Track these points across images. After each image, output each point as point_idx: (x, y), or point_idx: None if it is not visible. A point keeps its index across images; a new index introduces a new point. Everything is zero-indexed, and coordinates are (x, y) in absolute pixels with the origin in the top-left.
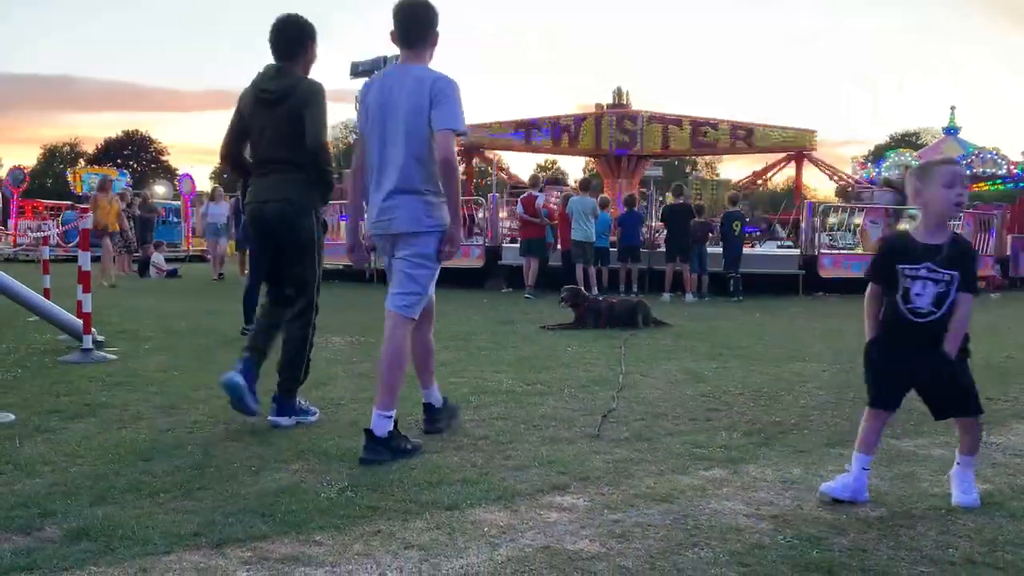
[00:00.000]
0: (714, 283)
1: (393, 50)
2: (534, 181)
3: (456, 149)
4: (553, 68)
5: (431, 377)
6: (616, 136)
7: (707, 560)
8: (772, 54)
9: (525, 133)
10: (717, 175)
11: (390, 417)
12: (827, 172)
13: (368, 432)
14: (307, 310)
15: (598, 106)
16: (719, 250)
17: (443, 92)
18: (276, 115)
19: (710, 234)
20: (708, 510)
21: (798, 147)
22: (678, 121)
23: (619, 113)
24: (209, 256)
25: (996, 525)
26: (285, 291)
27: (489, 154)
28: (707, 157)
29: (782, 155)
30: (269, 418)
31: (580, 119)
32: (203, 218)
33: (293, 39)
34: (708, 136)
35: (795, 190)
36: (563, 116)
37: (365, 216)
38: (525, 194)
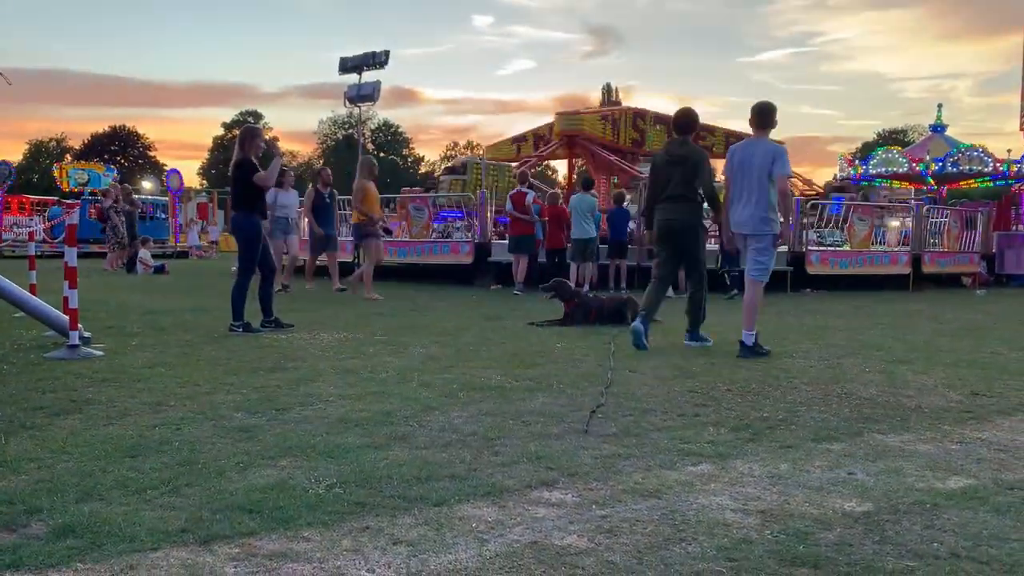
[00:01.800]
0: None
1: (383, 45)
2: (523, 178)
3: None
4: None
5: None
6: (631, 134)
7: (694, 555)
8: (763, 50)
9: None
10: None
11: (752, 333)
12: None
13: (742, 343)
14: (701, 280)
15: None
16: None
17: (780, 154)
18: (680, 169)
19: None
20: (696, 505)
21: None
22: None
23: (634, 111)
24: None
25: (981, 520)
26: (687, 271)
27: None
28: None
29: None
30: (685, 342)
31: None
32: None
33: (687, 125)
34: (707, 141)
35: None
36: (541, 126)
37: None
38: (514, 191)
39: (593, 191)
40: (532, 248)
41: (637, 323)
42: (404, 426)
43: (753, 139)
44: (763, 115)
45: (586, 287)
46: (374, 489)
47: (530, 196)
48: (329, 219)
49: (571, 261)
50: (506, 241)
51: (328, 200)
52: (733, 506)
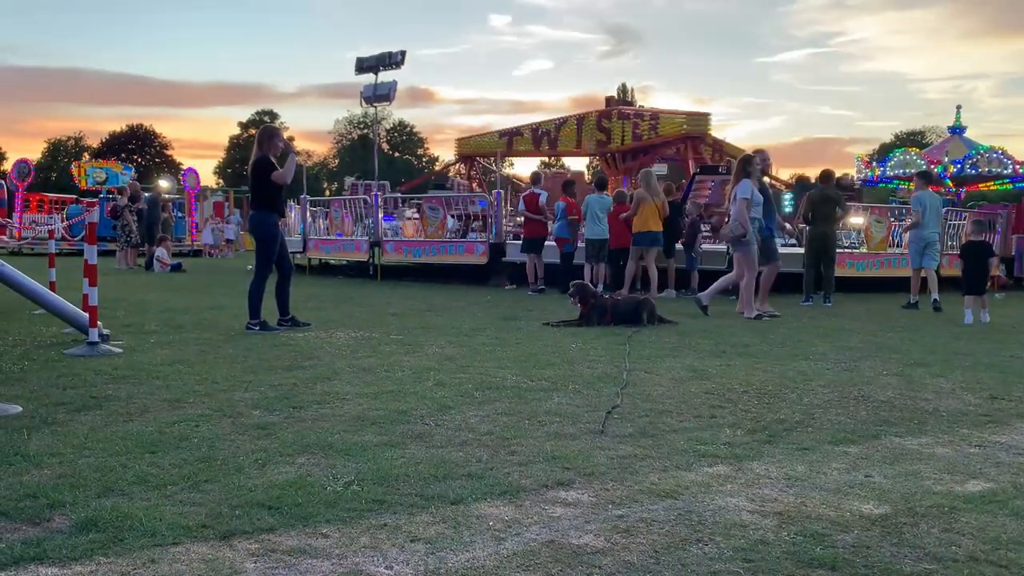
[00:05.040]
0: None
1: (399, 45)
2: (535, 178)
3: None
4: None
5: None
6: (595, 135)
7: (711, 556)
8: (781, 51)
9: (509, 140)
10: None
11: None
12: (718, 161)
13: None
14: (832, 265)
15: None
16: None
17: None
18: (830, 204)
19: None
20: (712, 506)
21: (695, 132)
22: (640, 114)
23: (600, 112)
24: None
25: (999, 524)
26: (827, 263)
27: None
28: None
29: (678, 141)
30: (824, 304)
31: (560, 123)
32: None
33: (830, 178)
34: (639, 129)
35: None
36: (544, 122)
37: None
38: (527, 191)
39: (607, 192)
40: (541, 249)
41: (804, 300)
42: (420, 425)
43: (930, 192)
44: (931, 177)
45: (600, 288)
46: (391, 487)
47: (543, 197)
48: (772, 216)
49: (585, 262)
50: (520, 241)
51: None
52: (750, 507)
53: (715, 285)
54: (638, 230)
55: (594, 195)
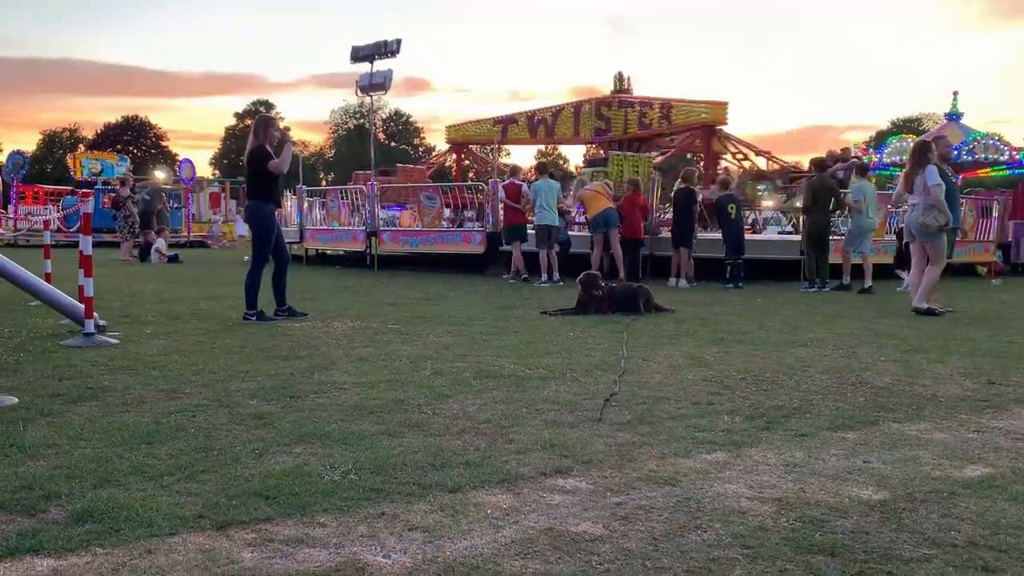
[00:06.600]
0: (713, 269)
1: (394, 35)
2: (514, 171)
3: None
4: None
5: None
6: (593, 123)
7: (710, 542)
8: (777, 40)
9: (504, 128)
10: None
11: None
12: (734, 151)
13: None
14: (826, 253)
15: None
16: (717, 235)
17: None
18: (827, 193)
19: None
20: (711, 493)
21: (710, 122)
22: (649, 103)
23: (599, 100)
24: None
25: (998, 509)
26: (822, 249)
27: (486, 146)
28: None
29: (694, 130)
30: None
31: (557, 111)
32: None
33: (825, 165)
34: (646, 117)
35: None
36: (540, 109)
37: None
38: (507, 181)
39: (553, 178)
40: (526, 236)
41: (808, 287)
42: (418, 414)
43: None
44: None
45: (556, 275)
46: (389, 476)
47: (525, 187)
48: (956, 209)
49: (537, 247)
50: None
51: None
52: (748, 494)
53: (921, 286)
54: (591, 217)
55: (542, 181)
